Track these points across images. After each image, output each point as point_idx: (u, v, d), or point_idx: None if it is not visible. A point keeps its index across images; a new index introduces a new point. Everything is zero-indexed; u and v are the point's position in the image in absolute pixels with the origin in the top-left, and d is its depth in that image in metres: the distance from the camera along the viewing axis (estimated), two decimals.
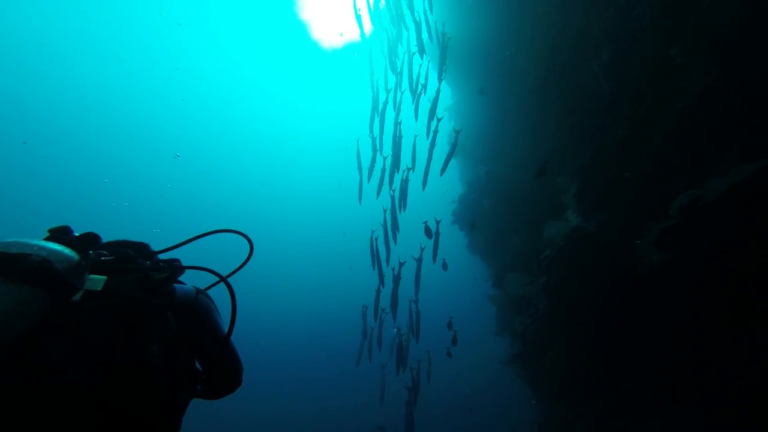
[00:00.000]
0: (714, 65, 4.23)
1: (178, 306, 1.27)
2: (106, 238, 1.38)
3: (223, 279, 1.41)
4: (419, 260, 9.49)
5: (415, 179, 9.28)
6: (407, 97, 9.79)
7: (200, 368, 1.40)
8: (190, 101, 34.80)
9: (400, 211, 9.42)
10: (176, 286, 1.33)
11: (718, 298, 5.03)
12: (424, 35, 9.43)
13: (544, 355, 8.10)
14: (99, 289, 1.11)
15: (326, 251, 36.29)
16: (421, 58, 9.57)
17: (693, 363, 5.85)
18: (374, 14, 10.34)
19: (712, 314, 5.27)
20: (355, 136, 10.57)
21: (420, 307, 10.12)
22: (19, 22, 27.79)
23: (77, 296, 1.08)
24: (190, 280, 1.47)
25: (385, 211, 9.64)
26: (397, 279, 9.53)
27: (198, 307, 1.35)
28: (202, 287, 1.47)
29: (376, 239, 9.77)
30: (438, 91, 9.15)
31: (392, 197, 9.47)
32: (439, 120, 9.04)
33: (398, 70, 9.81)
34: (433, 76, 9.58)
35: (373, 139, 9.88)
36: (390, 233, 9.63)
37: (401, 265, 9.51)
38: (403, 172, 9.15)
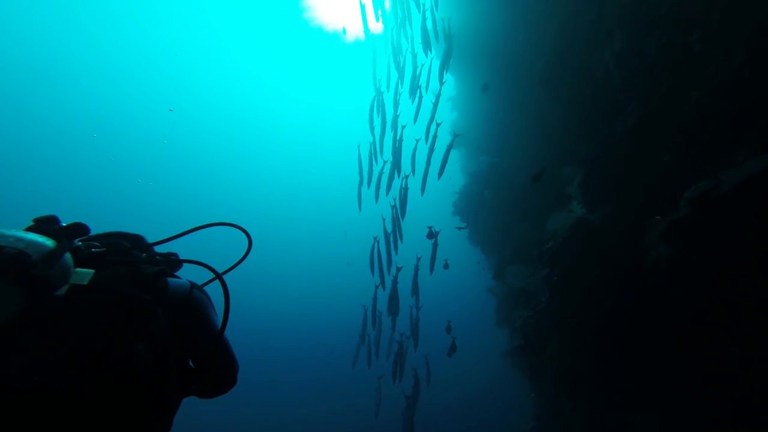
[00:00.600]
0: (737, 54, 4.09)
1: (171, 301, 1.21)
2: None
3: (218, 276, 1.34)
4: (416, 268, 9.55)
5: (414, 182, 9.27)
6: (407, 98, 9.71)
7: (194, 366, 1.33)
8: (194, 96, 34.44)
9: (402, 218, 9.40)
10: (170, 280, 1.27)
11: (728, 292, 4.96)
12: (429, 24, 9.25)
13: (545, 348, 8.06)
14: (85, 283, 1.05)
15: (326, 249, 36.29)
16: (426, 55, 9.50)
17: (696, 357, 5.81)
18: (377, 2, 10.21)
19: (720, 309, 5.21)
20: (357, 132, 10.49)
21: (420, 306, 10.05)
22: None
23: (62, 291, 1.01)
24: (183, 275, 1.41)
25: (384, 220, 9.60)
26: (395, 285, 9.43)
27: (192, 302, 1.29)
28: (194, 281, 1.41)
29: (379, 244, 9.68)
30: (438, 95, 9.13)
31: (393, 207, 9.38)
32: (438, 125, 9.07)
33: (401, 66, 9.63)
34: (435, 77, 9.50)
35: (373, 140, 9.76)
36: (391, 243, 9.55)
37: (398, 270, 9.51)
38: (403, 179, 9.09)
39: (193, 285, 1.34)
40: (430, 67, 9.59)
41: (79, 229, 1.16)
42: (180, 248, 1.44)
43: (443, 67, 9.11)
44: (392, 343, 10.29)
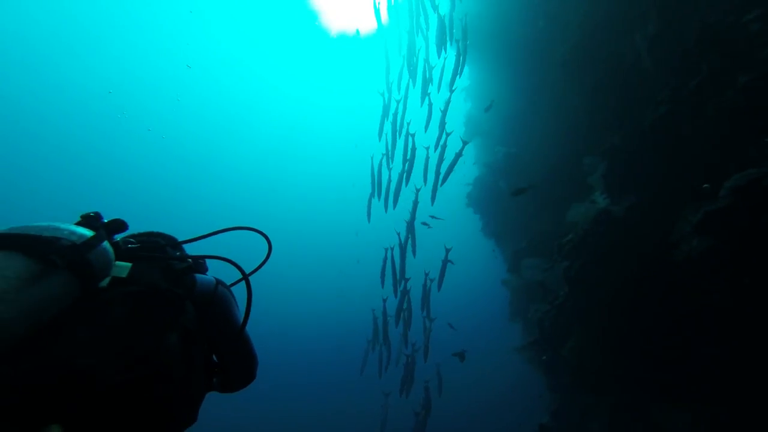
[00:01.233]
0: None
1: (198, 296, 1.28)
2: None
3: (245, 276, 1.41)
4: (425, 283, 9.51)
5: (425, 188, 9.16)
6: (417, 102, 9.54)
7: (216, 360, 1.41)
8: (205, 101, 34.73)
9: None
10: (197, 275, 1.35)
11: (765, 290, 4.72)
12: (446, 20, 8.97)
13: (563, 343, 7.85)
14: (125, 276, 1.13)
15: (337, 251, 36.34)
16: (438, 56, 9.32)
17: (724, 357, 5.59)
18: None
19: (756, 307, 4.97)
20: (367, 134, 10.33)
21: (433, 318, 9.96)
22: None
23: (104, 282, 1.09)
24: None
25: (398, 234, 9.51)
26: (401, 306, 9.33)
27: (217, 297, 1.35)
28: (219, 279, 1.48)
29: (392, 253, 9.58)
30: (448, 102, 9.02)
31: (407, 222, 9.31)
32: (448, 135, 8.95)
33: (414, 64, 9.37)
34: (445, 82, 9.26)
35: (387, 149, 9.56)
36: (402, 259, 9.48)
37: (406, 282, 9.45)
38: (415, 193, 8.99)
39: (218, 282, 1.40)
40: (443, 69, 9.43)
41: (118, 225, 1.23)
42: (198, 249, 1.52)
43: (455, 74, 8.95)
44: (401, 354, 10.22)
